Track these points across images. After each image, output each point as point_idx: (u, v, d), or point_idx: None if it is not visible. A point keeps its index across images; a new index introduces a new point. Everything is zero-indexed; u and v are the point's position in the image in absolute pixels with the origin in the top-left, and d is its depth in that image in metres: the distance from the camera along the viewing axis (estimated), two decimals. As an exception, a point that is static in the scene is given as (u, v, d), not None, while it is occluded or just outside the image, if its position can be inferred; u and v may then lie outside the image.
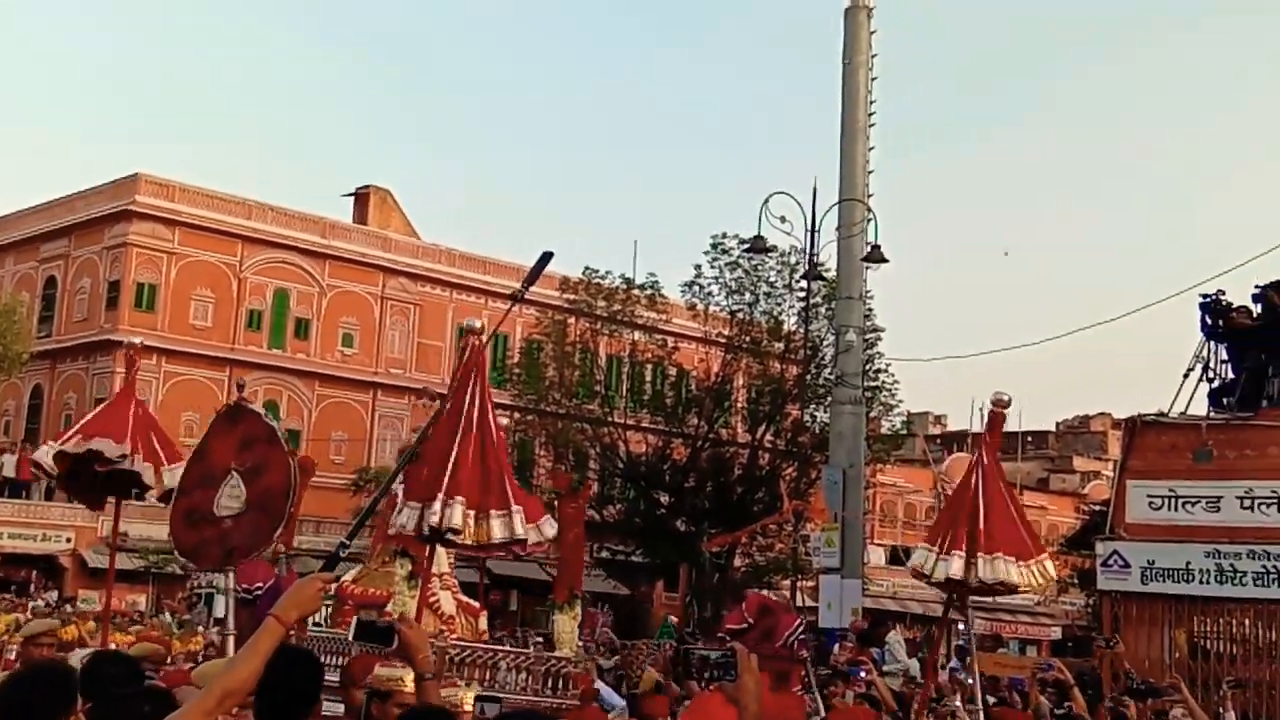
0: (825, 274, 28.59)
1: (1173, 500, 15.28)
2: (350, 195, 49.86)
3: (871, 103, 25.18)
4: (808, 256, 25.42)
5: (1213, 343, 15.97)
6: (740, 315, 36.22)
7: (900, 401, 38.34)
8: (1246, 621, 14.94)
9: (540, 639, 12.37)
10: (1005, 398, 8.05)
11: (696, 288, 36.07)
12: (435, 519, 6.91)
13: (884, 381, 35.94)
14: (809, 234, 24.01)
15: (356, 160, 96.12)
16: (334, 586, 4.14)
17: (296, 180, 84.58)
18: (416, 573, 9.08)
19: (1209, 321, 15.90)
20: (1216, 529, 14.93)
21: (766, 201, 23.04)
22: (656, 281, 38.07)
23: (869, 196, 24.47)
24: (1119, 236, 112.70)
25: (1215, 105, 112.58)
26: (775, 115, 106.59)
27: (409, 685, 4.91)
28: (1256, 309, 15.77)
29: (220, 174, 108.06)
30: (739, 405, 38.10)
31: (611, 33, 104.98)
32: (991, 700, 11.63)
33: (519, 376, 40.36)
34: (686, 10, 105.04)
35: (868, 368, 31.57)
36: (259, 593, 6.62)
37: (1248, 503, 14.82)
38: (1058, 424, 75.76)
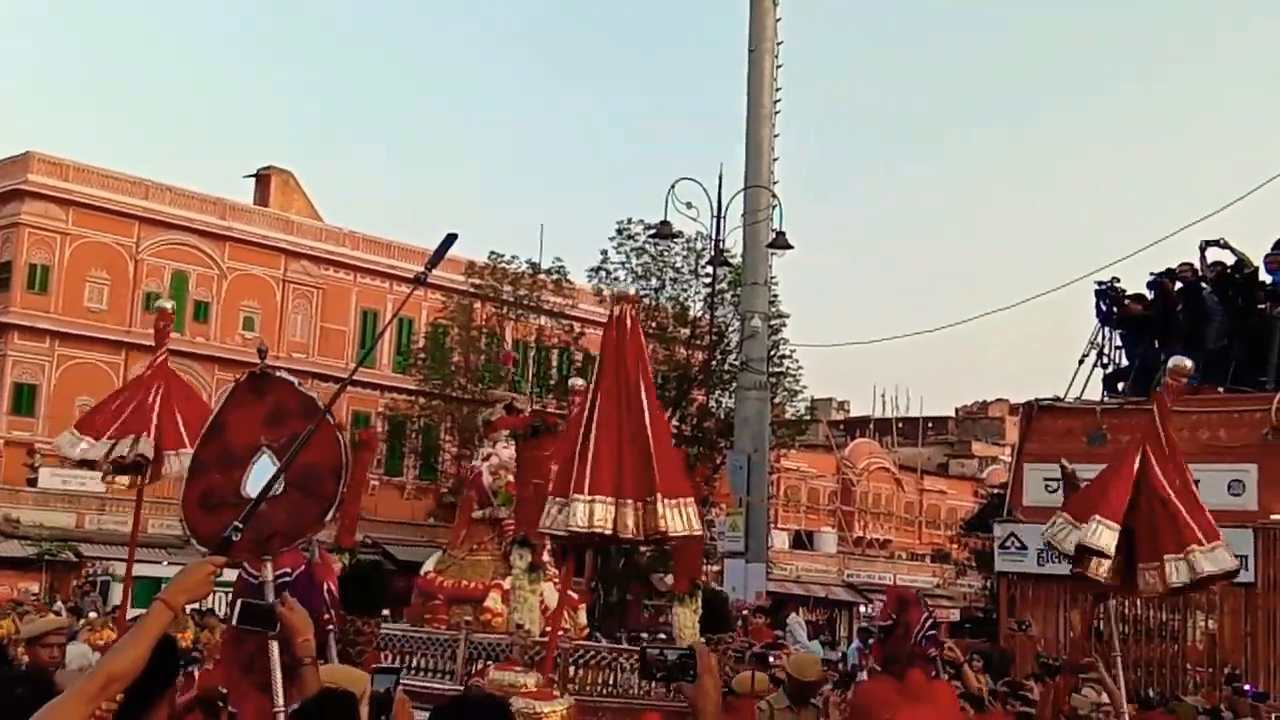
0: (731, 260, 28.72)
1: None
2: (251, 177, 49.04)
3: (777, 89, 25.33)
4: (713, 242, 25.51)
5: (1107, 329, 16.28)
6: (646, 301, 36.28)
7: (804, 387, 38.75)
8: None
9: (663, 635, 11.65)
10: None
11: (603, 273, 36.05)
12: (581, 519, 6.31)
13: (788, 367, 36.28)
14: (715, 220, 24.09)
15: (258, 142, 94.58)
16: (220, 568, 3.82)
17: (196, 161, 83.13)
18: (537, 563, 8.44)
19: (1104, 308, 16.21)
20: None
21: (673, 187, 23.07)
22: (563, 267, 38.04)
23: (774, 183, 24.62)
24: (1018, 225, 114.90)
25: (1115, 106, 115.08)
26: (682, 101, 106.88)
27: (530, 687, 4.59)
28: (1149, 296, 16.11)
29: (117, 153, 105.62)
30: (498, 409, 38.14)
31: (519, 16, 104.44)
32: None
33: (424, 361, 40.06)
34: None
35: (772, 354, 31.78)
36: (285, 579, 6.05)
37: (1140, 485, 15.15)
38: (957, 410, 77.05)
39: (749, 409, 24.79)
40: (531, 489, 8.46)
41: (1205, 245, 15.85)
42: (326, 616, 5.86)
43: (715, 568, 28.95)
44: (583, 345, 38.73)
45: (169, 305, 8.56)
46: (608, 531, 6.40)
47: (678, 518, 6.44)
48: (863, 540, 57.33)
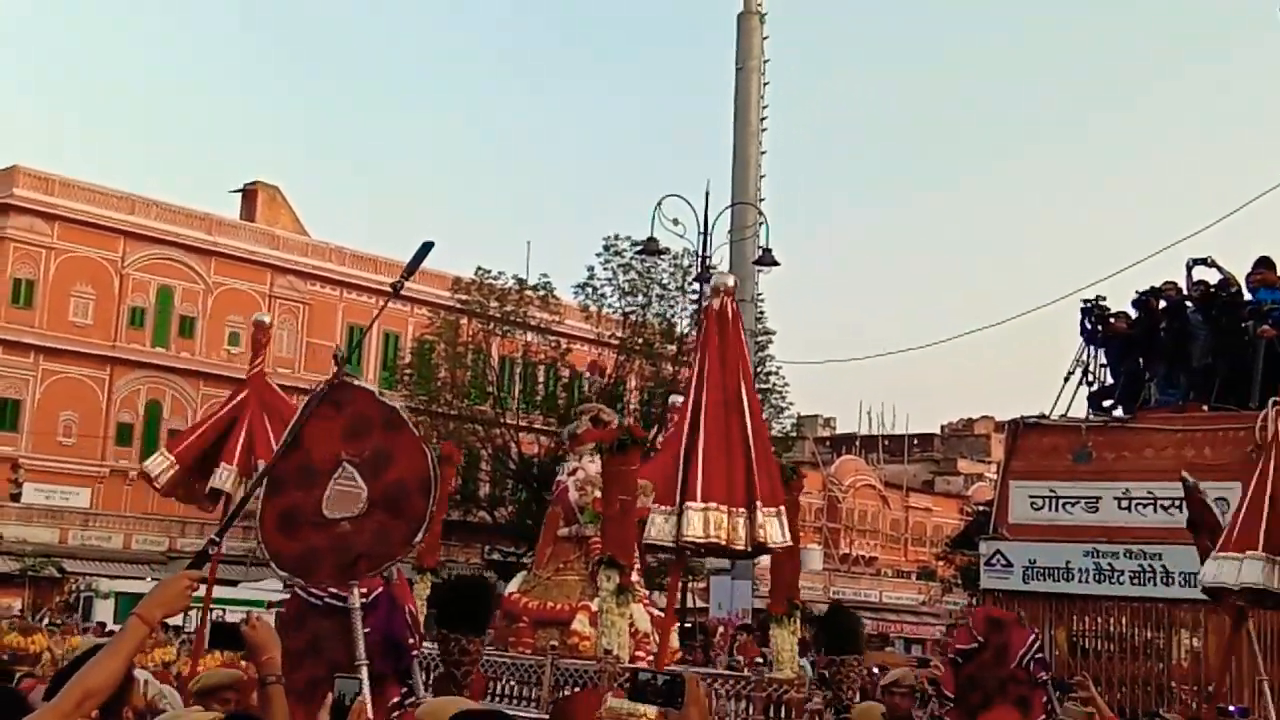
0: (718, 276, 28.73)
1: (1053, 500, 15.59)
2: (238, 191, 49.01)
3: (764, 107, 25.45)
4: (700, 259, 25.56)
5: (1092, 347, 16.29)
6: (633, 317, 36.32)
7: (790, 404, 38.79)
8: (1124, 619, 15.27)
9: (761, 660, 11.15)
10: None
11: (589, 289, 36.11)
12: (697, 529, 5.87)
13: (774, 384, 36.32)
14: (701, 236, 24.16)
15: (245, 157, 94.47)
16: (200, 584, 3.62)
17: (182, 176, 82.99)
18: (626, 585, 7.98)
19: (1088, 326, 16.23)
20: (1095, 529, 15.24)
21: (659, 204, 23.13)
22: (549, 282, 38.08)
23: (761, 200, 24.69)
24: (1006, 243, 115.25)
25: (1102, 123, 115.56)
26: (670, 118, 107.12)
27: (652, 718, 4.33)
28: (1134, 314, 16.15)
29: (103, 168, 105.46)
30: (631, 407, 38.24)
31: (508, 34, 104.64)
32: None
33: (410, 377, 39.99)
34: (583, 13, 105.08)
35: (758, 370, 31.82)
36: (363, 601, 5.52)
37: (1125, 503, 15.16)
38: (943, 427, 77.16)
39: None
40: (618, 506, 8.12)
41: (1192, 263, 15.89)
42: (411, 641, 5.52)
43: (701, 585, 28.90)
44: (569, 361, 38.71)
45: (268, 319, 8.34)
46: (722, 542, 5.97)
47: (776, 527, 6.08)
48: (849, 557, 57.32)
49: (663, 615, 9.26)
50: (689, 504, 5.93)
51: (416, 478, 4.89)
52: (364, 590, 5.33)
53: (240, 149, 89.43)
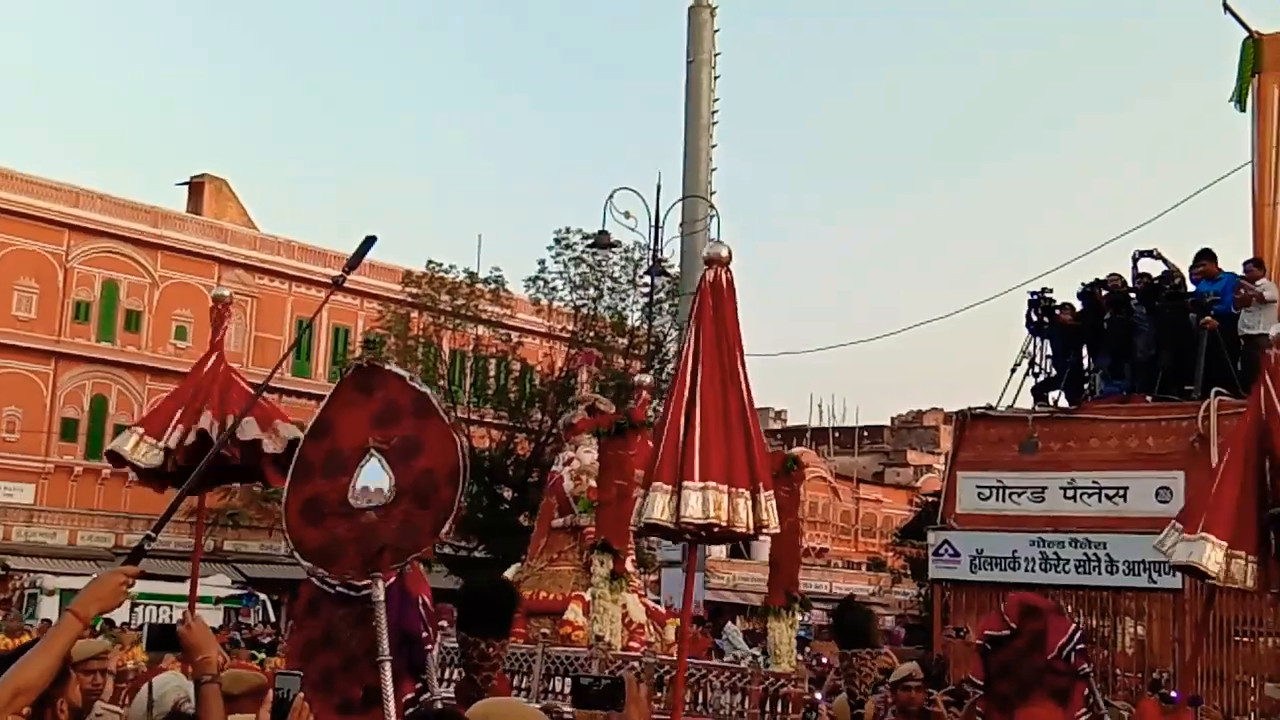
0: (669, 270, 28.83)
1: (1000, 491, 15.77)
2: (184, 184, 48.47)
3: (714, 100, 25.49)
4: (651, 252, 25.61)
5: (1038, 338, 16.50)
6: (584, 310, 36.31)
7: (740, 395, 38.83)
8: (1069, 608, 15.47)
9: (757, 653, 11.01)
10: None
11: (540, 283, 36.05)
12: (695, 509, 5.61)
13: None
14: (652, 229, 24.20)
15: (192, 149, 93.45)
16: (133, 578, 3.46)
17: (127, 168, 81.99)
18: (620, 571, 7.85)
19: (1035, 318, 16.42)
20: (1041, 518, 15.44)
21: (611, 197, 23.15)
22: (500, 276, 37.98)
23: (712, 193, 24.76)
24: (954, 234, 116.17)
25: (1053, 124, 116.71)
26: (621, 112, 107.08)
27: None
28: (1080, 306, 16.35)
29: (46, 160, 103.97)
30: (580, 410, 38.22)
31: (458, 25, 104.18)
32: (820, 691, 11.80)
33: (360, 371, 39.70)
34: (534, 4, 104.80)
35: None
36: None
37: (1070, 493, 15.36)
38: (893, 419, 77.69)
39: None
40: (615, 490, 7.93)
41: (1138, 256, 16.10)
42: (425, 634, 5.27)
43: (653, 577, 28.95)
44: (520, 355, 38.64)
45: (227, 293, 8.11)
46: (722, 524, 5.73)
47: (773, 510, 5.87)
48: (800, 548, 57.58)
49: (659, 607, 9.21)
50: (687, 483, 5.69)
51: (446, 467, 4.70)
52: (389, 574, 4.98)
53: (187, 141, 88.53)
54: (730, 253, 6.06)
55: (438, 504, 4.64)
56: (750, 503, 5.75)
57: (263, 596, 35.09)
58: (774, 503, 5.81)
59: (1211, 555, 6.44)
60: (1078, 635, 5.82)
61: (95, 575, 3.58)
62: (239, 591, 35.58)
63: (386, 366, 5.09)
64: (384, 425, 4.81)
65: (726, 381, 5.87)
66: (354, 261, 4.63)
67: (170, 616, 26.20)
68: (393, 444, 4.75)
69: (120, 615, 25.57)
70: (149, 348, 43.44)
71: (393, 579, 5.11)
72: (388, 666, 4.36)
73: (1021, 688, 5.61)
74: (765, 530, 5.85)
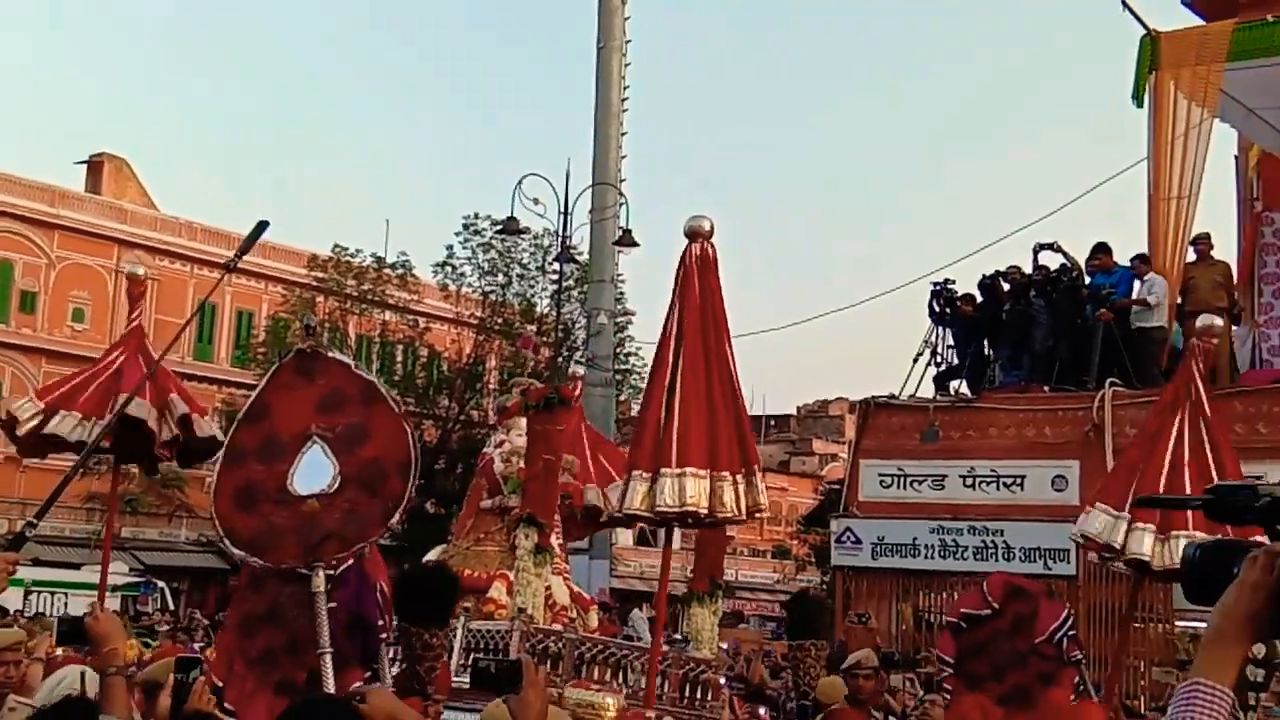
0: (578, 257, 28.79)
1: (901, 478, 16.01)
2: (83, 163, 47.35)
3: (625, 87, 25.50)
4: (560, 239, 25.54)
5: (940, 328, 16.76)
6: (493, 297, 36.16)
7: (649, 385, 38.97)
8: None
9: (679, 636, 10.92)
10: (1216, 323, 6.68)
11: (449, 268, 35.83)
12: (670, 497, 5.44)
13: (634, 364, 36.48)
14: (562, 216, 24.10)
15: (91, 127, 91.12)
16: (14, 565, 3.33)
17: (23, 145, 79.77)
18: (544, 545, 7.76)
19: (937, 308, 16.68)
20: (941, 505, 15.69)
21: (520, 183, 23.00)
22: (408, 261, 37.67)
23: (621, 180, 24.77)
24: (859, 225, 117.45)
25: (959, 118, 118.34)
26: (531, 97, 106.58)
27: (611, 713, 4.08)
28: (980, 297, 16.63)
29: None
30: (490, 387, 38.06)
31: (365, 5, 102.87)
32: (729, 673, 11.91)
33: (264, 355, 39.22)
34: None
35: (619, 350, 31.96)
36: (329, 574, 4.90)
37: (970, 481, 15.63)
38: (798, 408, 78.34)
39: (594, 406, 24.83)
40: (542, 464, 7.89)
41: (1039, 248, 16.42)
42: (381, 623, 5.13)
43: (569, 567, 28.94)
44: (428, 341, 38.38)
45: (141, 271, 7.91)
46: (702, 511, 5.60)
47: (764, 494, 5.78)
48: (725, 535, 57.84)
49: (583, 592, 9.19)
50: (664, 470, 5.54)
51: (395, 457, 4.59)
52: (331, 564, 4.87)
53: (86, 119, 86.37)
54: (712, 225, 5.88)
55: (387, 494, 4.53)
56: (739, 486, 5.64)
57: (161, 584, 34.47)
58: (764, 484, 5.70)
59: (1146, 540, 6.54)
60: (1070, 620, 5.67)
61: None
62: (136, 579, 34.90)
63: (330, 353, 4.96)
64: (328, 412, 4.69)
65: (711, 361, 5.70)
66: (245, 246, 4.58)
67: (66, 604, 25.64)
68: (337, 431, 4.63)
69: (13, 603, 24.96)
70: (45, 330, 42.42)
71: (350, 562, 5.04)
72: (328, 658, 4.21)
73: (996, 669, 5.44)
74: (758, 513, 5.79)
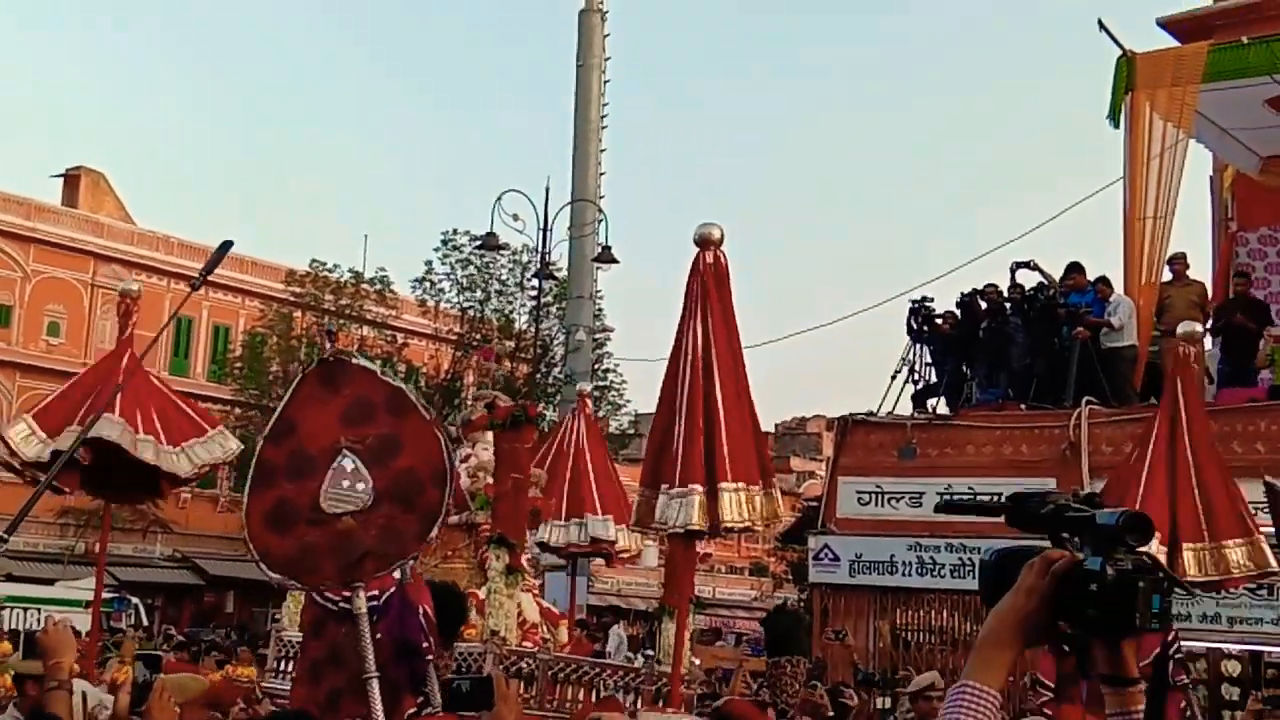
0: (557, 273, 28.80)
1: (879, 496, 16.02)
2: (59, 176, 47.12)
3: (604, 105, 25.54)
4: (539, 255, 25.54)
5: (918, 346, 16.80)
6: (471, 312, 36.11)
7: (629, 401, 38.99)
8: (945, 612, 15.74)
9: (651, 652, 10.94)
10: (1196, 330, 6.52)
11: (427, 284, 35.79)
12: (730, 513, 5.34)
13: (612, 381, 36.48)
14: (541, 233, 24.12)
15: (68, 141, 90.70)
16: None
17: (-1, 158, 79.29)
18: (515, 565, 7.66)
19: (915, 325, 16.72)
20: (919, 523, 15.69)
21: (499, 199, 23.02)
22: (386, 276, 37.60)
23: (600, 197, 24.79)
24: (840, 242, 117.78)
25: (936, 136, 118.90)
26: (511, 114, 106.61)
27: None
28: (958, 315, 16.68)
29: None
30: (468, 403, 37.97)
31: (347, 20, 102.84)
32: (699, 691, 11.85)
33: (241, 370, 39.07)
34: (424, 4, 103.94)
35: (597, 367, 31.94)
36: (374, 604, 4.64)
37: (947, 498, 15.66)
38: (777, 426, 78.40)
39: (573, 422, 24.85)
40: (510, 484, 7.78)
41: (1016, 266, 16.49)
42: (425, 645, 4.91)
43: (538, 581, 28.87)
44: (406, 357, 38.31)
45: (135, 287, 7.85)
46: (754, 523, 5.56)
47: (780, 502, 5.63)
48: (696, 551, 57.71)
49: (552, 607, 9.15)
50: (722, 485, 5.42)
51: (429, 466, 4.37)
52: (374, 591, 4.67)
53: (63, 133, 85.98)
54: (722, 233, 5.78)
55: (424, 506, 4.34)
56: (765, 497, 5.61)
57: (135, 600, 34.20)
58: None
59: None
60: (1176, 644, 5.39)
61: None
62: (111, 595, 34.62)
63: (354, 360, 4.78)
64: (356, 424, 4.49)
65: (738, 371, 5.68)
66: (210, 266, 4.49)
67: (39, 621, 25.43)
68: (367, 444, 4.42)
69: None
70: (20, 344, 42.12)
71: (392, 588, 4.91)
72: (375, 684, 4.11)
73: (1098, 696, 5.29)
74: (777, 522, 5.77)
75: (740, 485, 5.49)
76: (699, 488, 5.50)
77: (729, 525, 5.51)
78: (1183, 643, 13.31)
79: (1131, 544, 1.91)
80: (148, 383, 7.04)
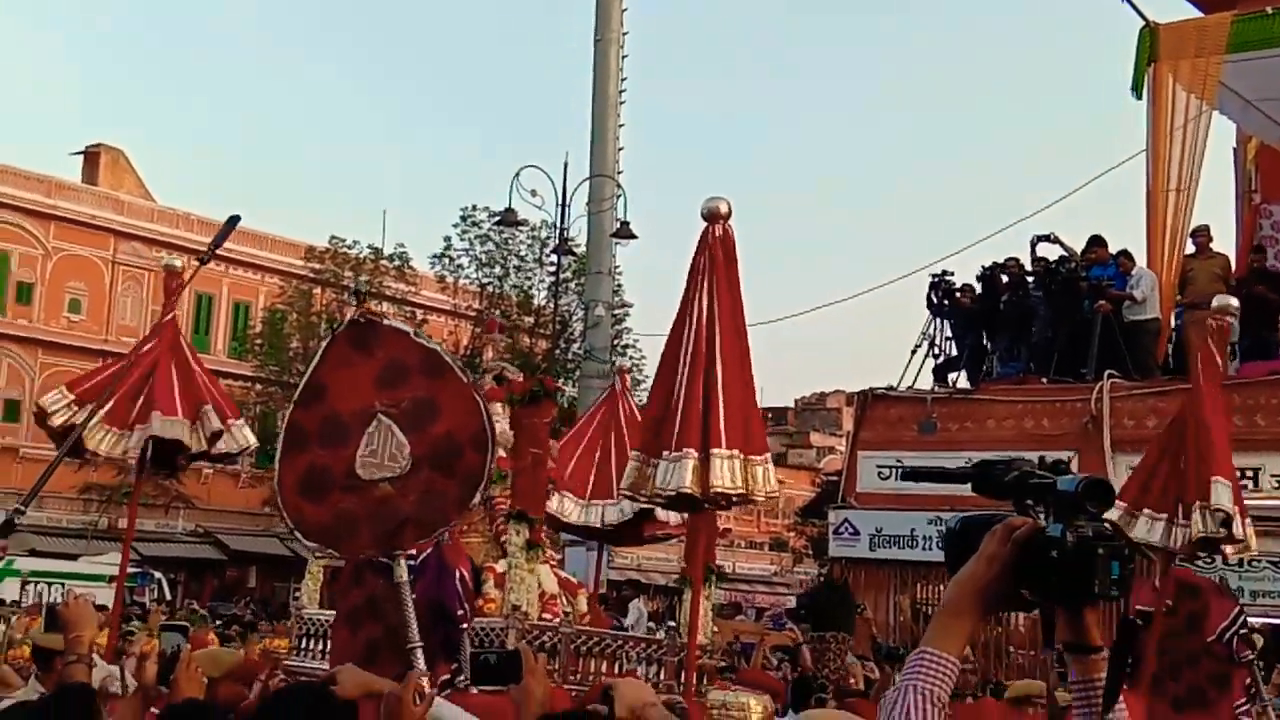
0: (575, 249, 28.76)
1: (899, 470, 15.99)
2: (79, 154, 47.24)
3: (623, 80, 25.42)
4: (558, 231, 25.51)
5: (938, 320, 16.73)
6: (490, 288, 36.12)
7: (648, 376, 38.95)
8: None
9: (673, 624, 11.04)
10: (1232, 303, 6.44)
11: (446, 260, 35.81)
12: (722, 478, 5.32)
13: (631, 357, 36.46)
14: (560, 208, 24.11)
15: (88, 118, 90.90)
16: (4, 555, 3.27)
17: (20, 136, 79.56)
18: (535, 540, 7.66)
19: (935, 300, 16.65)
20: (939, 497, 15.60)
21: (518, 175, 23.00)
22: (405, 253, 37.65)
23: (619, 173, 24.72)
24: (861, 217, 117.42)
25: (956, 111, 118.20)
26: (529, 89, 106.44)
27: (758, 713, 4.03)
28: (979, 289, 16.61)
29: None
30: (486, 379, 38.04)
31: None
32: (722, 663, 11.87)
33: (261, 347, 39.20)
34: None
35: (616, 343, 31.92)
36: (410, 564, 4.50)
37: (912, 467, 15.62)
38: (796, 401, 78.40)
39: (592, 398, 24.77)
40: (530, 458, 7.69)
41: (1036, 240, 16.40)
42: (461, 612, 4.80)
43: (557, 556, 28.96)
44: (425, 332, 38.34)
45: (178, 264, 7.72)
46: (745, 492, 5.57)
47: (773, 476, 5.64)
48: (717, 521, 57.87)
49: (570, 578, 9.17)
50: (714, 450, 5.40)
51: (468, 430, 4.18)
52: (411, 551, 4.48)
53: (83, 111, 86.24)
54: (730, 207, 5.75)
55: (464, 470, 4.17)
56: (765, 469, 5.61)
57: (158, 575, 34.45)
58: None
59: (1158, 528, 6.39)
60: (1241, 619, 5.28)
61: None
62: (134, 570, 34.87)
63: (386, 321, 4.63)
64: (390, 387, 4.32)
65: (741, 345, 5.67)
66: (218, 241, 4.42)
67: (62, 596, 25.64)
68: (403, 407, 4.24)
69: (11, 593, 24.97)
70: (41, 320, 42.33)
71: (430, 549, 4.76)
72: (419, 653, 3.97)
73: (1173, 668, 5.13)
74: (772, 495, 5.77)
75: (735, 453, 5.47)
76: (693, 452, 5.49)
77: (720, 491, 5.47)
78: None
79: (1092, 511, 1.88)
80: (189, 367, 7.01)
